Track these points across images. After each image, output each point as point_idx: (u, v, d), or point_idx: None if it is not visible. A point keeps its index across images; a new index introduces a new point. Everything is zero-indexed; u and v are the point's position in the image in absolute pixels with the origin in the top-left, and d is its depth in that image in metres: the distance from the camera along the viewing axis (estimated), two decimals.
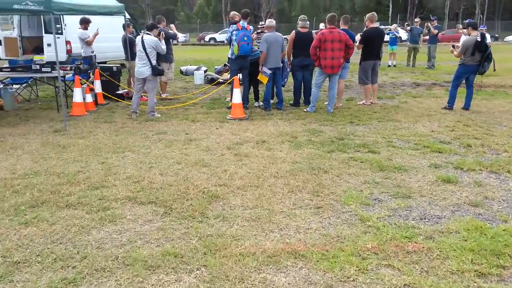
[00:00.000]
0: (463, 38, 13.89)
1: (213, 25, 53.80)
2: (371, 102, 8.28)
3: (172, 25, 9.30)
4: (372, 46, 7.95)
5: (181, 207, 3.49)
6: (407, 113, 7.34)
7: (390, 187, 3.89)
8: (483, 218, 3.25)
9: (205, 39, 40.87)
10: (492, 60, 7.30)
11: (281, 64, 7.74)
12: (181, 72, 13.63)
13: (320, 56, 7.24)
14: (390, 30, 15.65)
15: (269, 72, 7.55)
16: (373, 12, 8.25)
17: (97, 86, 8.55)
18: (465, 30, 13.52)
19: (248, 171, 4.38)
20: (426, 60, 15.17)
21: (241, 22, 7.65)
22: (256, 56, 7.87)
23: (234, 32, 7.56)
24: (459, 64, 7.62)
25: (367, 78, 8.17)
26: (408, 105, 8.12)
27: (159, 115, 7.32)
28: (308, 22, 7.93)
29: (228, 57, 7.89)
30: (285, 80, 8.25)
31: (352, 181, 4.07)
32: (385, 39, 8.95)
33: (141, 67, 6.99)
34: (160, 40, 7.24)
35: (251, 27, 7.75)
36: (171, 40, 8.95)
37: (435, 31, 14.61)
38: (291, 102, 8.39)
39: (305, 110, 7.65)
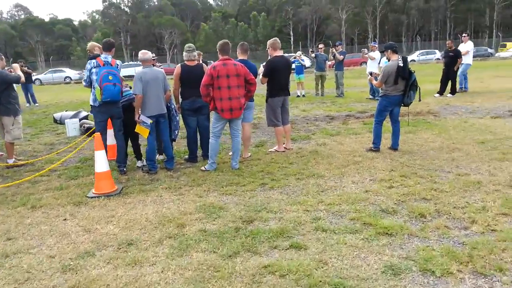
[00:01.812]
0: (370, 63, 13.43)
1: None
2: (285, 148, 6.71)
3: (15, 65, 6.88)
4: (279, 78, 6.45)
5: None
6: (329, 161, 5.84)
7: None
8: None
9: None
10: (418, 89, 6.21)
11: (166, 110, 5.83)
12: (55, 120, 10.97)
13: (214, 96, 5.50)
14: (295, 58, 14.71)
15: (149, 121, 5.59)
16: (275, 38, 6.75)
17: None
18: (371, 53, 13.16)
19: None
20: (335, 88, 14.42)
21: (102, 56, 5.63)
22: (130, 98, 5.88)
23: (94, 70, 5.52)
24: (380, 96, 6.42)
25: (276, 119, 6.61)
26: (328, 148, 6.67)
27: None
28: (195, 53, 6.16)
29: (91, 105, 5.76)
30: (176, 132, 6.30)
31: None
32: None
33: None
34: None
35: (117, 61, 5.75)
36: (14, 84, 6.58)
37: (341, 57, 13.91)
38: (186, 156, 6.48)
39: (202, 168, 5.78)
